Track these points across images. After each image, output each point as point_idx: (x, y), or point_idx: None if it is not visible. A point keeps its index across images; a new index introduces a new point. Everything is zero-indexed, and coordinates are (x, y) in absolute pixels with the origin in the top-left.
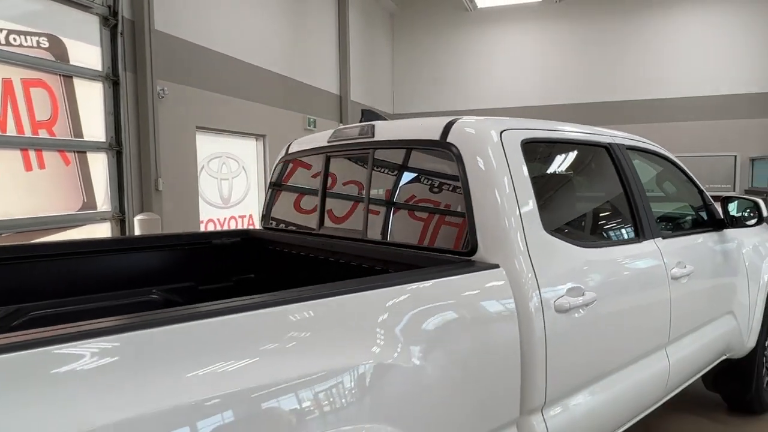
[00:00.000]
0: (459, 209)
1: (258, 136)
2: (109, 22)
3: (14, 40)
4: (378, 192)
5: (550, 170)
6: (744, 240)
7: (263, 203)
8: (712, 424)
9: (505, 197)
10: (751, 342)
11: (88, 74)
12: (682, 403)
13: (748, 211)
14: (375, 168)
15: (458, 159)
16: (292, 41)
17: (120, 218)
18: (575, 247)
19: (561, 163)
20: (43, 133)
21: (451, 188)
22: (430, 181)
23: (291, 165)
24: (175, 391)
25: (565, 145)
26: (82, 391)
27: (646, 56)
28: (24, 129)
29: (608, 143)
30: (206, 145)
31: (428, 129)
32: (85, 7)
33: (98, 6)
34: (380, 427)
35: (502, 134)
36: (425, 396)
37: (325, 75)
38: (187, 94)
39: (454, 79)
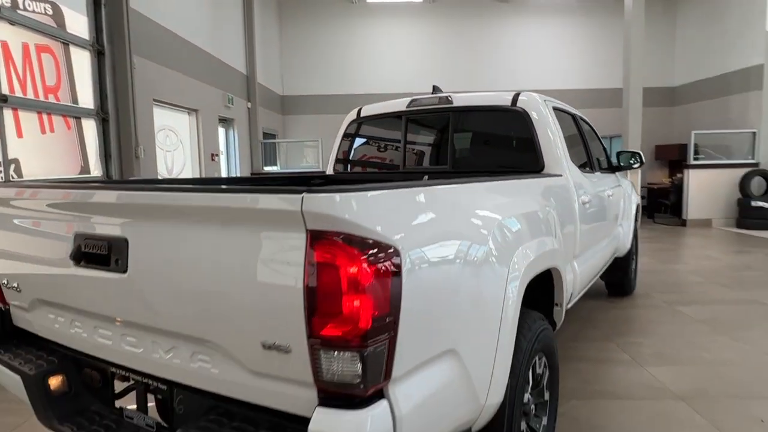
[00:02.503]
0: (527, 148)
1: (191, 111)
2: None
3: (28, 5)
4: (459, 143)
5: (562, 128)
6: (623, 180)
7: (333, 156)
8: (602, 301)
9: (555, 138)
10: (629, 244)
11: (80, 42)
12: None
13: (632, 159)
14: (455, 127)
15: (527, 116)
16: (212, 18)
17: None
18: (580, 171)
19: (563, 124)
20: (51, 99)
21: (518, 136)
22: (501, 133)
23: (362, 125)
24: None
25: (564, 113)
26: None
27: (509, 53)
28: (38, 93)
29: (574, 113)
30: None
31: (499, 98)
32: None
33: None
34: (546, 239)
35: (546, 101)
36: (554, 228)
37: (237, 55)
38: (147, 67)
39: (341, 65)
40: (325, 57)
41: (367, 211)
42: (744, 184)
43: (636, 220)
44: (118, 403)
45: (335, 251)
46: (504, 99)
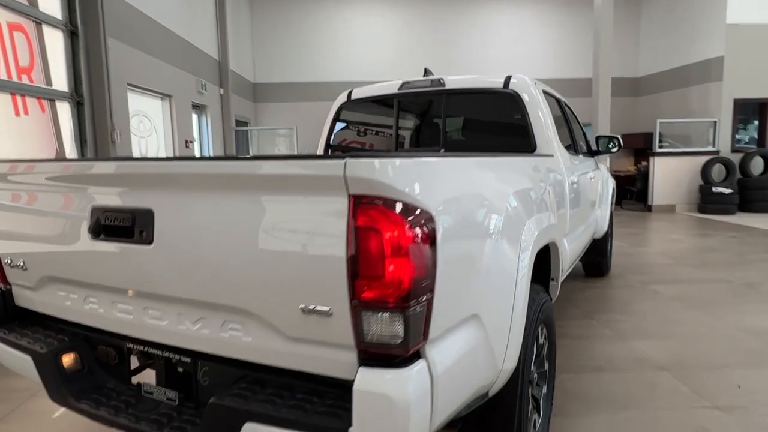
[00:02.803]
0: (519, 129)
1: (165, 96)
2: None
3: None
4: (451, 125)
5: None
6: (601, 165)
7: (323, 139)
8: (579, 282)
9: (545, 119)
10: (606, 226)
11: (53, 22)
12: None
13: (611, 143)
14: (446, 110)
15: (519, 98)
16: (184, 1)
17: None
18: (567, 153)
19: (550, 107)
20: (25, 80)
21: (510, 117)
22: (493, 115)
23: (353, 108)
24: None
25: (550, 96)
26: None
27: (483, 40)
28: (11, 74)
29: (559, 97)
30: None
31: (492, 81)
32: None
33: None
34: (547, 214)
35: (535, 84)
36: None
37: (209, 40)
38: (121, 50)
39: (314, 53)
40: (297, 44)
41: (404, 177)
42: (705, 171)
43: (612, 203)
44: (134, 380)
45: (377, 215)
46: (496, 81)
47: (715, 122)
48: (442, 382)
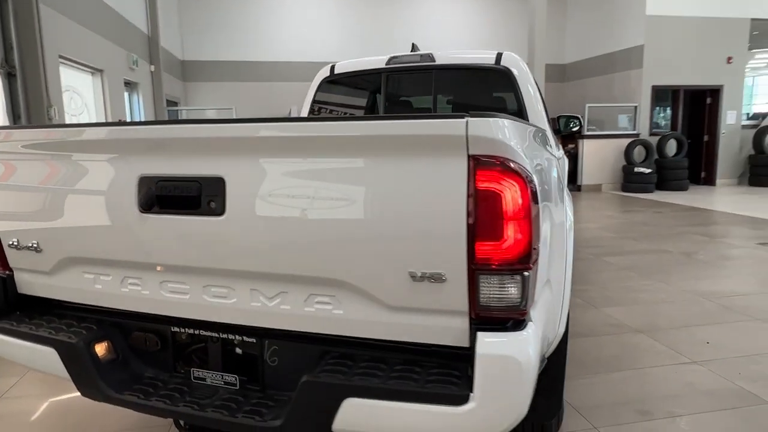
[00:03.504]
0: (511, 104)
1: (96, 71)
2: None
3: None
4: (441, 101)
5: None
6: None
7: (304, 114)
8: None
9: (536, 94)
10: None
11: None
12: None
13: (572, 122)
14: (436, 84)
15: (510, 73)
16: None
17: None
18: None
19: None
20: None
21: (503, 94)
22: (485, 91)
23: (336, 83)
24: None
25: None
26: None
27: (422, 23)
28: None
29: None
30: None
31: (483, 57)
32: None
33: None
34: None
35: (521, 60)
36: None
37: (138, 12)
38: (53, 19)
39: (247, 30)
40: (229, 20)
41: (515, 137)
42: (628, 152)
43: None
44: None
45: (498, 176)
46: (487, 57)
47: (635, 107)
48: (540, 343)
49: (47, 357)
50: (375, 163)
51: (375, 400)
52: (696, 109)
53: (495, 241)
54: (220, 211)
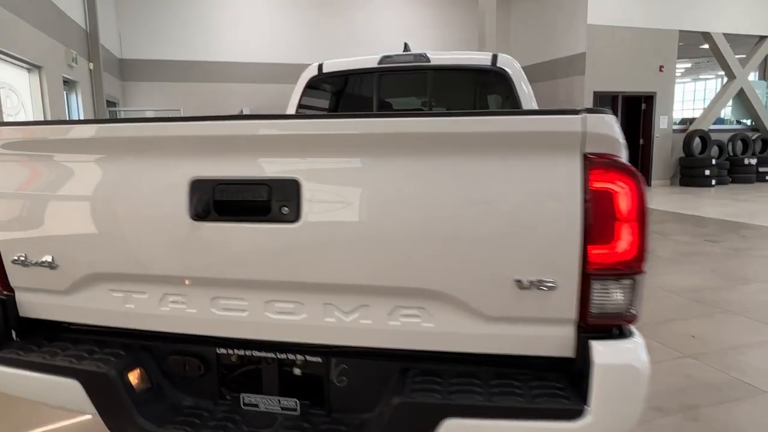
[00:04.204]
0: (509, 105)
1: (33, 67)
2: None
3: None
4: (437, 102)
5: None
6: None
7: None
8: None
9: (530, 93)
10: None
11: None
12: None
13: None
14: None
15: (506, 74)
16: None
17: None
18: None
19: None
20: None
21: (499, 94)
22: (481, 92)
23: (324, 83)
24: None
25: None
26: None
27: (370, 25)
28: None
29: None
30: None
31: (479, 58)
32: None
33: None
34: None
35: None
36: None
37: (75, 6)
38: None
39: (191, 28)
40: (172, 17)
41: (622, 135)
42: None
43: None
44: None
45: (612, 176)
46: (483, 58)
47: None
48: None
49: (68, 390)
50: (480, 161)
51: (478, 420)
52: (633, 114)
53: (608, 244)
54: (293, 217)
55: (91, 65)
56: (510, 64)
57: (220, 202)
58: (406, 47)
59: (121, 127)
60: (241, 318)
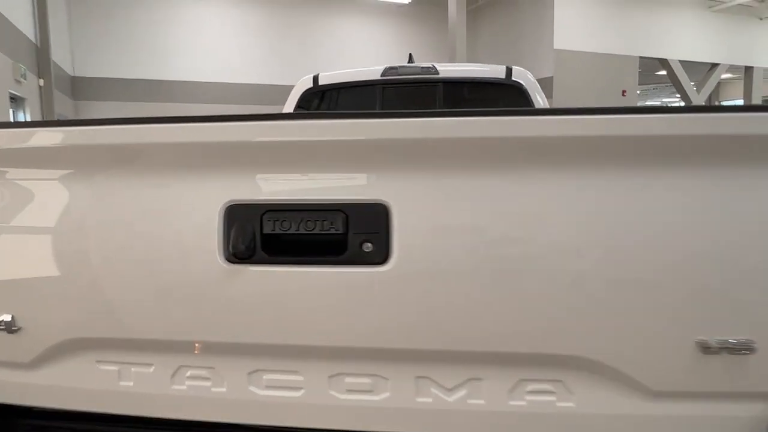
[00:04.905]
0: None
1: None
2: None
3: None
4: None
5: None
6: None
7: None
8: None
9: (545, 106)
10: None
11: None
12: None
13: None
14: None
15: (522, 88)
16: None
17: None
18: None
19: None
20: None
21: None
22: (493, 106)
23: (320, 96)
24: None
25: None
26: None
27: (332, 45)
28: None
29: None
30: None
31: (493, 71)
32: None
33: None
34: None
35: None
36: None
37: (25, 18)
38: None
39: (148, 45)
40: (127, 33)
41: None
42: None
43: None
44: None
45: None
46: (497, 71)
47: None
48: None
49: None
50: (654, 179)
51: None
52: None
53: None
54: (380, 258)
55: (41, 82)
56: (525, 77)
57: (270, 236)
58: (410, 58)
59: (114, 131)
60: (295, 399)
